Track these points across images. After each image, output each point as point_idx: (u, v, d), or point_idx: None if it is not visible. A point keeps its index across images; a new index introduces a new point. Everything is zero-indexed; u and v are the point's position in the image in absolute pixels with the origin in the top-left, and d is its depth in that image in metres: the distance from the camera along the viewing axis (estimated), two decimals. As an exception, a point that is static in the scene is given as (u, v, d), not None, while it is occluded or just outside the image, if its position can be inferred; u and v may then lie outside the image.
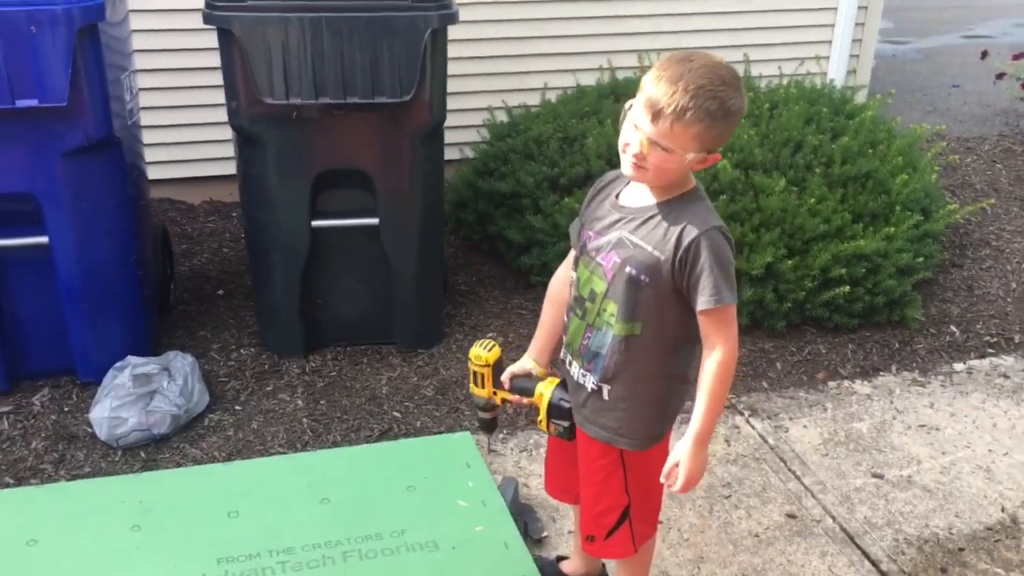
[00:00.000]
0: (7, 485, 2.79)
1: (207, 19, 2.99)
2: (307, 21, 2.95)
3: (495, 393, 2.12)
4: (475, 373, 2.11)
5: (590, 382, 1.95)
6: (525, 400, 2.09)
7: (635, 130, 1.74)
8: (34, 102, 2.76)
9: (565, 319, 2.02)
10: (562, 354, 2.05)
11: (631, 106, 1.77)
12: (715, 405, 1.83)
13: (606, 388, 1.93)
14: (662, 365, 1.90)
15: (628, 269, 1.83)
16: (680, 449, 1.86)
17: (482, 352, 2.10)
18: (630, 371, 1.90)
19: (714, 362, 1.80)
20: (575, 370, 1.98)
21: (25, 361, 3.23)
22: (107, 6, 2.89)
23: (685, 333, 1.86)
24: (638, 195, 1.87)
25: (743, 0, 5.31)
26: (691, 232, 1.76)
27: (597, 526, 2.08)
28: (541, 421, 2.08)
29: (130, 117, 3.28)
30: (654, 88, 1.70)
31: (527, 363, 2.12)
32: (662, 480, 1.90)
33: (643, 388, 1.92)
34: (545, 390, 2.05)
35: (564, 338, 2.03)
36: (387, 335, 3.59)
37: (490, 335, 3.73)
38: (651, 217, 1.82)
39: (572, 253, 2.04)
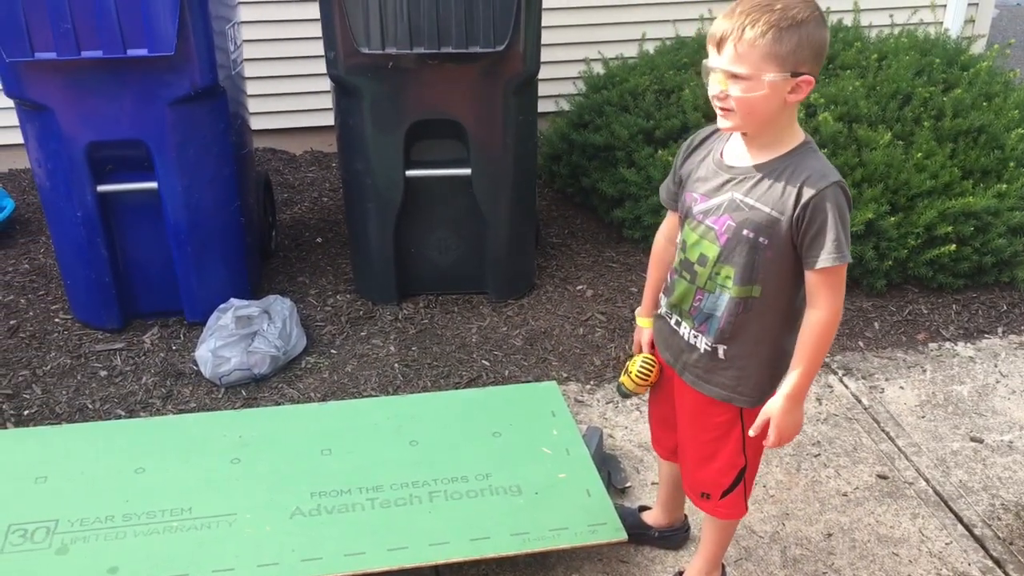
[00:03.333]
0: (119, 417, 2.97)
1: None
2: (403, -30, 2.97)
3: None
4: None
5: (703, 343, 1.92)
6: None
7: (712, 74, 1.70)
8: (144, 51, 2.88)
9: (669, 280, 1.98)
10: (664, 311, 2.03)
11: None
12: (812, 365, 1.79)
13: (721, 348, 1.89)
14: (781, 325, 1.86)
15: (745, 232, 1.77)
16: (772, 405, 1.83)
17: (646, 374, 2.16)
18: (749, 332, 1.86)
19: (817, 322, 1.75)
20: (684, 331, 1.95)
21: (137, 302, 3.40)
22: (212, -42, 2.97)
23: (803, 292, 1.80)
24: (745, 153, 1.80)
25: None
26: (812, 188, 1.69)
27: (714, 484, 2.06)
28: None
29: (234, 67, 3.38)
30: (714, 26, 1.69)
31: (642, 331, 2.15)
32: (751, 434, 1.89)
33: (762, 348, 1.88)
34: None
35: (666, 297, 2.00)
36: (478, 285, 3.64)
37: (580, 287, 3.74)
38: (764, 176, 1.75)
39: (670, 214, 2.01)
